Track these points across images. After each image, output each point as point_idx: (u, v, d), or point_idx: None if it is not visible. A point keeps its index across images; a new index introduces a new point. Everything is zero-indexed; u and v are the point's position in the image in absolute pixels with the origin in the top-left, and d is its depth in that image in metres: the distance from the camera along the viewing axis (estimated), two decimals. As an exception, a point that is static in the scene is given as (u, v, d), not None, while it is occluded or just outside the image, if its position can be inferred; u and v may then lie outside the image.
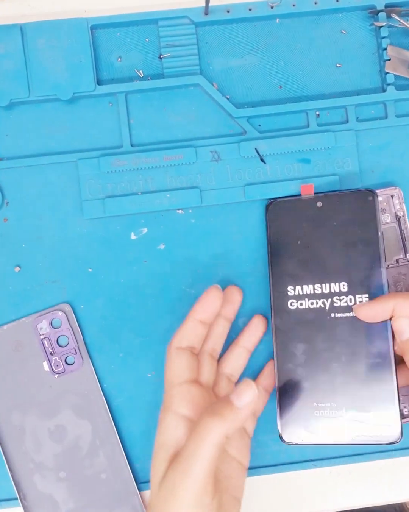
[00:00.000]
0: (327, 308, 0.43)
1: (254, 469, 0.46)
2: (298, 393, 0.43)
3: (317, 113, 0.47)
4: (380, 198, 0.46)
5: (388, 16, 0.47)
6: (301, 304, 0.44)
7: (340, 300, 0.43)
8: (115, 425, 0.46)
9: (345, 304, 0.43)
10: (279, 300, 0.44)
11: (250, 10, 0.47)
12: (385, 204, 0.46)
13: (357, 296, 0.42)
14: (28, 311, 0.46)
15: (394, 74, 0.47)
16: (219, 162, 0.46)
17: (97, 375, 0.46)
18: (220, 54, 0.48)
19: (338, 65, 0.48)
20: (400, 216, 0.46)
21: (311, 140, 0.46)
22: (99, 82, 0.47)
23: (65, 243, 0.46)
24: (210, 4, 0.45)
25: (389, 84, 0.47)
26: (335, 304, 0.43)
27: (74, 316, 0.46)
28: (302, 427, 0.42)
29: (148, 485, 0.46)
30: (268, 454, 0.47)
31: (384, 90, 0.48)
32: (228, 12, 0.47)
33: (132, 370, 0.46)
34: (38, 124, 0.47)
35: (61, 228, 0.46)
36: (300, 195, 0.45)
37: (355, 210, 0.43)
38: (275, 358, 0.43)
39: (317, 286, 0.43)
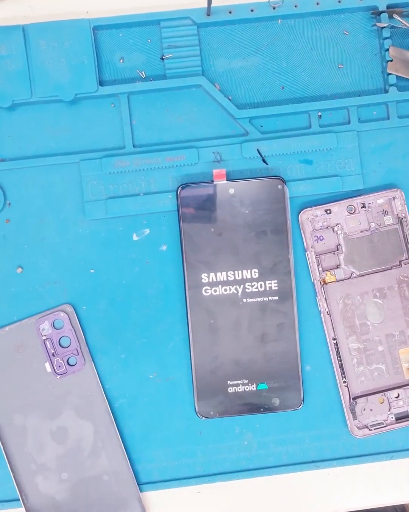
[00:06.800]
0: (239, 294, 0.45)
1: (255, 470, 0.46)
2: (212, 373, 0.45)
3: (319, 114, 0.47)
4: (381, 200, 0.46)
5: (390, 17, 0.47)
6: (215, 291, 0.45)
7: (252, 286, 0.45)
8: (117, 426, 0.46)
9: (256, 290, 0.45)
10: (193, 287, 0.45)
11: (252, 11, 0.47)
12: (387, 206, 0.46)
13: (267, 282, 0.45)
14: (30, 312, 0.46)
15: (396, 75, 0.47)
16: (221, 163, 0.46)
17: (99, 376, 0.46)
18: (222, 55, 0.48)
19: (340, 66, 0.48)
20: (402, 218, 0.46)
21: (313, 141, 0.46)
22: (101, 83, 0.47)
23: (67, 244, 0.46)
24: (212, 5, 0.45)
25: (391, 85, 0.47)
26: (246, 290, 0.45)
27: (76, 317, 0.46)
28: (217, 403, 0.45)
29: (150, 486, 0.46)
30: (270, 456, 0.47)
31: (386, 91, 0.48)
32: (230, 13, 0.47)
33: (134, 371, 0.46)
34: (40, 125, 0.47)
35: (63, 229, 0.46)
36: (212, 181, 0.45)
37: (265, 198, 0.45)
38: (190, 342, 0.45)
39: (230, 273, 0.45)
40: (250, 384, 0.45)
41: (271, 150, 0.46)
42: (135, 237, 0.47)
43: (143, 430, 0.46)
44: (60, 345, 0.46)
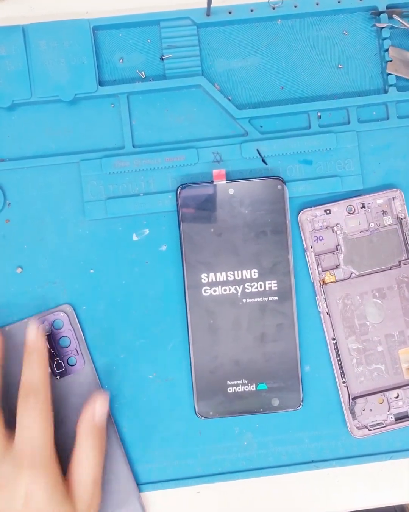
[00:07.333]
0: (239, 294, 0.45)
1: (255, 470, 0.46)
2: (212, 373, 0.45)
3: (319, 114, 0.47)
4: (381, 201, 0.46)
5: (390, 17, 0.47)
6: (214, 291, 0.45)
7: (251, 286, 0.45)
8: (116, 426, 0.46)
9: (256, 290, 0.45)
10: (193, 288, 0.45)
11: (252, 11, 0.47)
12: (386, 206, 0.46)
13: (267, 282, 0.45)
14: (30, 312, 0.46)
15: (396, 75, 0.47)
16: (221, 164, 0.46)
17: (98, 376, 0.46)
18: (222, 55, 0.48)
19: (339, 66, 0.48)
20: (401, 218, 0.46)
21: (313, 141, 0.46)
22: (101, 83, 0.47)
23: (67, 244, 0.46)
24: (212, 5, 0.45)
25: (390, 86, 0.47)
26: (246, 290, 0.45)
27: (75, 317, 0.46)
28: (217, 403, 0.45)
29: (150, 486, 0.46)
30: (269, 456, 0.47)
31: (385, 91, 0.48)
32: (230, 13, 0.47)
33: (134, 372, 0.46)
34: (40, 125, 0.47)
35: (63, 229, 0.46)
36: (212, 181, 0.45)
37: (264, 198, 0.45)
38: (190, 342, 0.45)
39: (229, 273, 0.45)
40: (249, 384, 0.45)
41: (271, 150, 0.46)
42: (134, 237, 0.47)
43: (142, 430, 0.46)
44: (59, 345, 0.46)
